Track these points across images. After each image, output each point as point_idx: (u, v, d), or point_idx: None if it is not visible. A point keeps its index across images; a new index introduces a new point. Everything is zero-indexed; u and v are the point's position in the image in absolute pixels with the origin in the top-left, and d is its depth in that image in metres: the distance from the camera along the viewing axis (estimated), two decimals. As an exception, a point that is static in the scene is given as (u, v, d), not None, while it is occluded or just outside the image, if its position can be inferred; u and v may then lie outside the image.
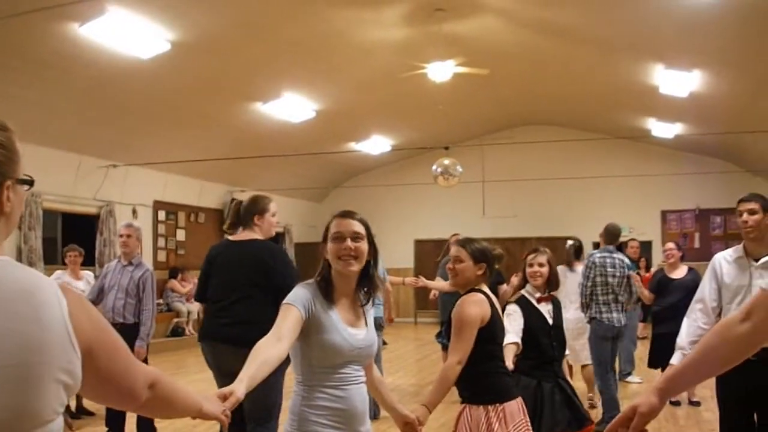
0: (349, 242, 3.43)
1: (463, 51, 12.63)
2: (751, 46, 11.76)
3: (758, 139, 16.15)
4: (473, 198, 20.84)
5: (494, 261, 4.68)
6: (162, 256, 18.00)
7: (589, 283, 8.94)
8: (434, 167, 14.76)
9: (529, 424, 4.51)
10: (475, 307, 4.37)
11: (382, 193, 22.89)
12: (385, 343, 10.96)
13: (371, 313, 3.61)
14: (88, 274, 10.15)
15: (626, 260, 9.10)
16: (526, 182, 20.96)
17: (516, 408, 4.41)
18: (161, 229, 18.01)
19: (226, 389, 2.65)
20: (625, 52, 13.83)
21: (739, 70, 13.30)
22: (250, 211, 5.92)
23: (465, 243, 4.65)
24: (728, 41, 11.77)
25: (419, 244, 23.38)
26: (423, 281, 10.33)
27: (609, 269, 8.89)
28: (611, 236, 9.34)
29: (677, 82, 14.13)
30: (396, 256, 21.36)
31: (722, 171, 19.66)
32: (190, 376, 12.94)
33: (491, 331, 4.38)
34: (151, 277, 7.89)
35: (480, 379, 4.39)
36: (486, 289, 4.55)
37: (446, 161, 14.68)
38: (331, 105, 16.26)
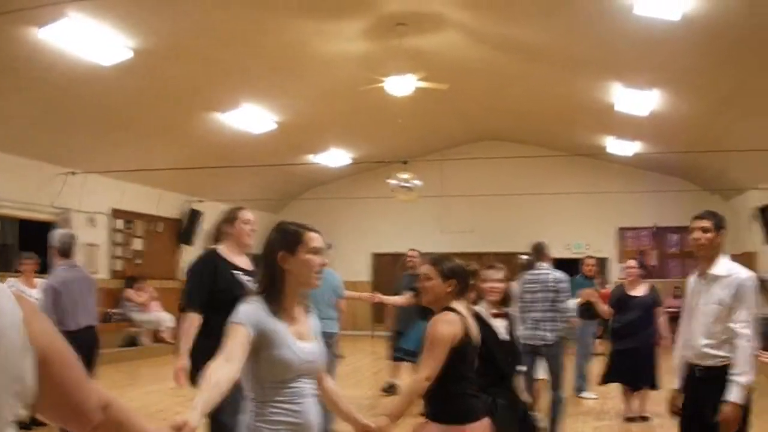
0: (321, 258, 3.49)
1: (424, 66, 12.72)
2: (709, 67, 11.93)
3: (716, 159, 16.38)
4: (431, 212, 20.96)
5: (467, 277, 4.64)
6: (119, 266, 17.88)
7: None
8: (393, 181, 14.82)
9: None
10: (447, 326, 4.34)
11: (340, 205, 22.91)
12: (341, 356, 10.99)
13: (317, 324, 3.66)
14: (43, 281, 10.09)
15: (556, 277, 8.82)
16: (485, 198, 21.06)
17: (480, 431, 4.39)
18: (118, 237, 17.91)
19: (179, 418, 2.69)
20: (585, 70, 14.00)
21: (697, 90, 13.50)
22: (222, 221, 6.00)
23: (435, 261, 4.63)
24: (687, 61, 11.94)
25: (377, 257, 23.40)
26: (379, 297, 10.35)
27: (527, 285, 8.89)
28: (537, 253, 9.35)
29: (636, 100, 14.29)
30: (353, 269, 21.37)
31: (680, 189, 19.88)
32: (144, 387, 12.86)
33: (462, 351, 4.35)
34: None
35: (446, 399, 4.35)
36: (461, 307, 4.52)
37: (405, 175, 14.76)
38: (290, 116, 16.28)
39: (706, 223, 5.32)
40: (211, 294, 5.54)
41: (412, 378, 4.47)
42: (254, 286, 3.54)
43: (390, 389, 11.90)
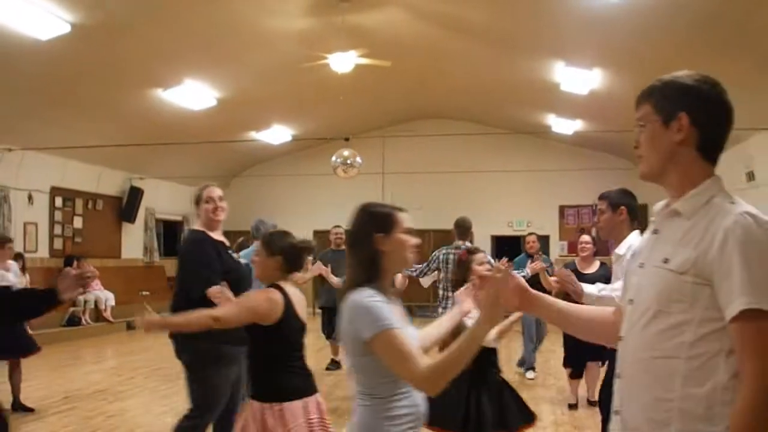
0: None
1: (366, 42, 12.70)
2: (648, 47, 12.04)
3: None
4: (373, 189, 20.96)
5: (296, 254, 4.63)
6: (58, 244, 17.68)
7: (417, 274, 9.28)
8: (334, 158, 14.80)
9: (322, 424, 4.50)
10: (265, 303, 4.38)
11: (282, 182, 22.89)
12: None
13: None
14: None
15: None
16: (426, 174, 21.17)
17: (298, 409, 4.39)
18: (58, 216, 17.70)
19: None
20: (527, 48, 14.07)
21: (637, 69, 13.60)
22: (194, 202, 5.91)
23: (265, 237, 4.71)
24: (628, 41, 12.05)
25: (318, 234, 23.38)
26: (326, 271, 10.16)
27: (450, 266, 9.09)
28: (460, 230, 9.41)
29: (577, 79, 14.41)
30: (295, 246, 21.36)
31: (620, 168, 20.10)
32: (86, 367, 12.80)
33: (281, 331, 4.38)
34: None
35: (265, 377, 4.40)
36: (288, 285, 4.54)
37: (346, 152, 14.73)
38: (232, 93, 16.19)
39: (601, 205, 5.49)
40: (213, 273, 5.41)
41: (206, 312, 4.34)
42: (351, 274, 3.25)
43: (333, 366, 11.99)
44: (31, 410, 8.99)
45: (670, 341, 2.27)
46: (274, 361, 4.41)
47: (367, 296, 3.06)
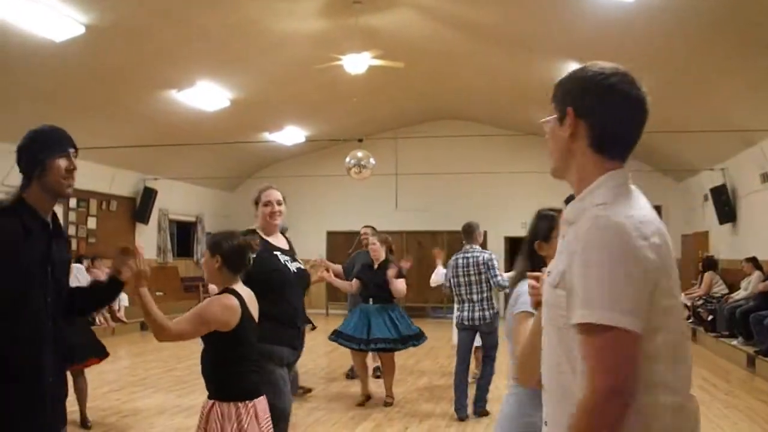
0: None
1: (379, 44, 12.71)
2: (662, 48, 12.01)
3: (669, 140, 16.52)
4: (386, 191, 20.98)
5: (234, 254, 4.51)
6: (73, 245, 17.69)
7: (448, 284, 9.38)
8: (347, 159, 14.79)
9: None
10: (222, 311, 4.34)
11: (295, 184, 22.83)
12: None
13: None
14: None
15: (484, 257, 9.19)
16: (439, 176, 21.14)
17: (265, 404, 4.48)
18: (72, 216, 17.77)
19: None
20: (540, 49, 14.03)
21: (651, 71, 13.54)
22: (253, 203, 5.81)
23: (209, 237, 4.76)
24: (643, 42, 11.99)
25: (331, 235, 23.41)
26: (329, 276, 10.09)
27: (460, 270, 9.20)
28: (465, 234, 9.47)
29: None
30: (308, 247, 21.28)
31: (634, 170, 19.76)
32: (100, 367, 12.76)
33: (239, 335, 4.36)
34: None
35: (230, 378, 4.40)
36: (240, 287, 4.52)
37: (359, 153, 14.73)
38: (245, 94, 16.20)
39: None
40: (247, 275, 5.09)
41: (169, 325, 4.24)
42: (519, 267, 3.42)
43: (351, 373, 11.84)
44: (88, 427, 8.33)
45: (566, 355, 2.20)
46: (240, 363, 4.42)
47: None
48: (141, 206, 20.04)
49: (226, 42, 13.26)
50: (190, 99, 15.62)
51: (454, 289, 9.27)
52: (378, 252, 10.07)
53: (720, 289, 16.20)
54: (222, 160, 21.17)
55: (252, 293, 4.63)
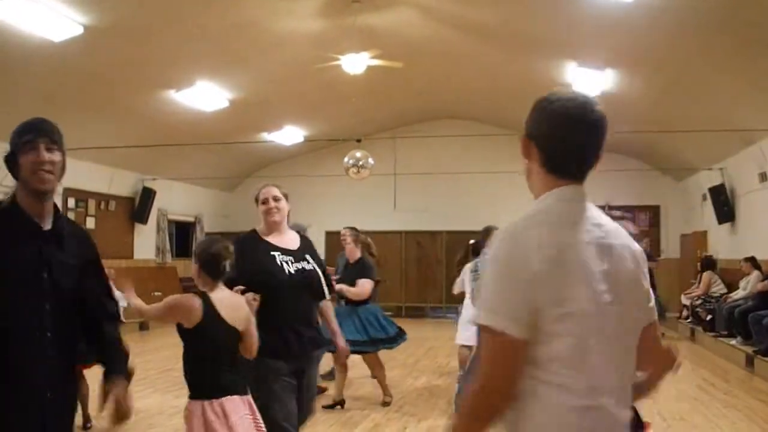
0: None
1: (378, 44, 12.71)
2: (661, 48, 12.02)
3: (668, 139, 16.55)
4: (385, 190, 20.96)
5: (210, 260, 4.62)
6: (70, 244, 17.67)
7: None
8: (346, 159, 14.81)
9: (256, 424, 4.62)
10: (181, 307, 4.52)
11: (294, 183, 22.74)
12: None
13: None
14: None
15: None
16: (438, 176, 21.13)
17: (238, 403, 4.53)
18: (71, 216, 17.71)
19: None
20: (538, 49, 14.04)
21: (650, 70, 13.59)
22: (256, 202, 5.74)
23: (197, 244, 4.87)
24: (640, 42, 12.01)
25: (330, 235, 23.37)
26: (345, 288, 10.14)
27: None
28: (488, 237, 9.42)
29: (589, 80, 14.36)
30: (307, 247, 21.35)
31: (633, 169, 20.02)
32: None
33: (200, 333, 4.46)
34: None
35: (194, 376, 4.54)
36: (216, 291, 4.60)
37: (358, 153, 14.75)
38: (244, 94, 16.21)
39: None
40: (241, 275, 5.13)
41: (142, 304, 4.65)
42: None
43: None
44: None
45: None
46: (203, 361, 4.54)
47: None
48: (140, 206, 20.02)
49: (224, 42, 13.26)
50: (189, 99, 15.61)
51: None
52: (352, 252, 10.01)
53: (719, 288, 16.21)
54: (221, 161, 21.17)
55: (236, 299, 4.73)
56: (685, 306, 17.84)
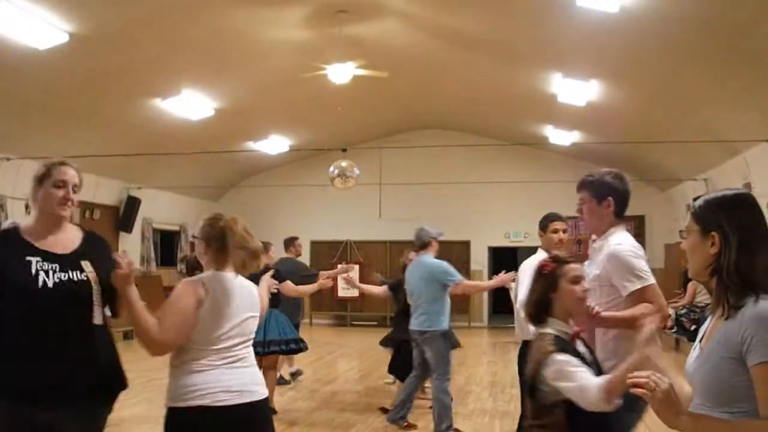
0: None
1: (364, 53, 12.75)
2: (646, 59, 12.06)
3: (652, 150, 16.61)
4: (370, 200, 20.95)
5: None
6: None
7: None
8: (331, 169, 14.81)
9: None
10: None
11: (279, 193, 22.90)
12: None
13: None
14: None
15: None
16: (423, 185, 21.16)
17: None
18: (54, 224, 17.65)
19: None
20: (524, 59, 14.10)
21: (635, 81, 13.64)
22: (35, 183, 4.25)
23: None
24: (625, 53, 12.06)
25: (315, 245, 23.37)
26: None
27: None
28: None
29: (575, 91, 14.41)
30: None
31: (615, 179, 20.02)
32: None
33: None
34: None
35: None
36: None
37: (343, 163, 14.75)
38: (230, 103, 16.19)
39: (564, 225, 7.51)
40: None
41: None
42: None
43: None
44: None
45: None
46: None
47: None
48: (124, 215, 19.95)
49: (211, 51, 13.26)
50: (175, 108, 15.56)
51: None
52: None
53: (704, 298, 16.22)
54: (206, 170, 21.12)
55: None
56: (669, 316, 17.87)
